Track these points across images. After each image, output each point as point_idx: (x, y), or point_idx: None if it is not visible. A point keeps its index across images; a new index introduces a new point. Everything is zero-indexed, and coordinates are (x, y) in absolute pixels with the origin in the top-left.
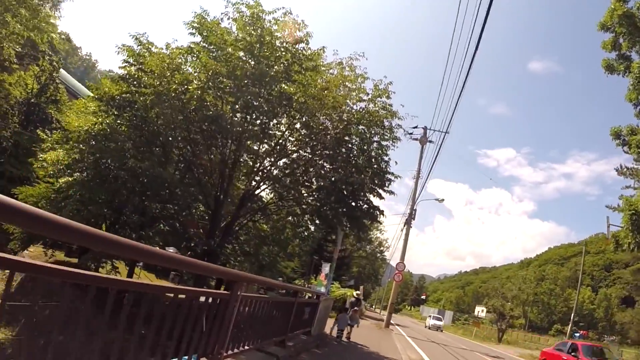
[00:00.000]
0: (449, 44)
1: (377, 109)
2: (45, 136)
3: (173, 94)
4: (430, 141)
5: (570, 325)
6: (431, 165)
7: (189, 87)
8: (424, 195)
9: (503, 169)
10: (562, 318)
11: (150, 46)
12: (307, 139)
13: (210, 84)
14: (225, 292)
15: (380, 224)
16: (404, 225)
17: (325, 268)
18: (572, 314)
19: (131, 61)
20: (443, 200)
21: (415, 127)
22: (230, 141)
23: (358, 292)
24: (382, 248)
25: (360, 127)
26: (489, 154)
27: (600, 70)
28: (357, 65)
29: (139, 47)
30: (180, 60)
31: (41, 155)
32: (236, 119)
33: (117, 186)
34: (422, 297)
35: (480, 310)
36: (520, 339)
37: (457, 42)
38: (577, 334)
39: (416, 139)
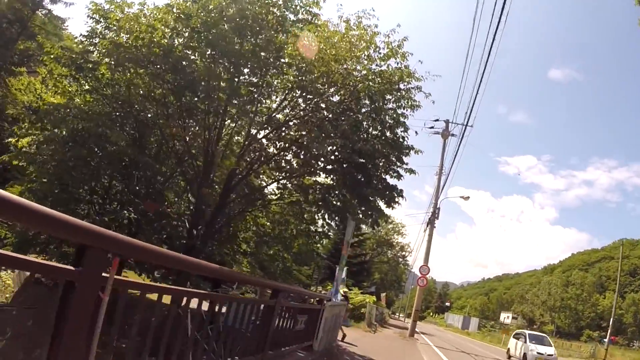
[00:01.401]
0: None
1: (390, 71)
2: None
3: (134, 43)
4: (452, 134)
5: (609, 331)
6: (454, 158)
7: (154, 35)
8: (446, 203)
9: (524, 176)
10: (589, 324)
11: (125, 6)
12: (304, 105)
13: (177, 25)
14: (69, 267)
15: (400, 205)
16: (427, 226)
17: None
18: (611, 318)
19: (97, 17)
20: (468, 197)
21: (437, 120)
22: (203, 96)
23: (346, 289)
24: (404, 252)
25: (372, 85)
26: (509, 162)
27: (620, 77)
28: (367, 24)
29: (111, 7)
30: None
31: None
32: (216, 71)
33: (60, 152)
34: (446, 304)
35: (505, 317)
36: None
37: (477, 29)
38: (605, 340)
39: (438, 133)
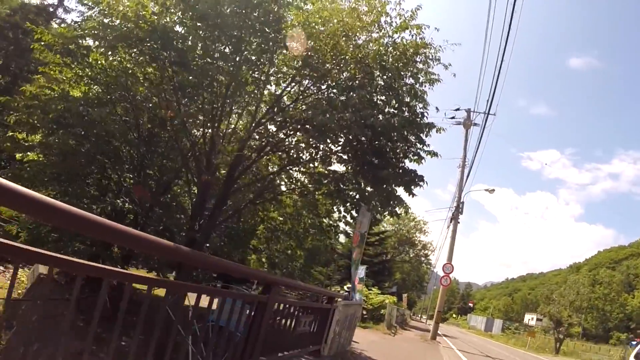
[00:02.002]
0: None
1: (404, 43)
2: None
3: (122, 22)
4: (475, 124)
5: None
6: (476, 148)
7: (141, 11)
8: (468, 202)
9: (547, 171)
10: (617, 325)
11: None
12: (310, 84)
13: (167, 1)
14: None
15: (421, 187)
16: (450, 221)
17: (360, 271)
18: None
19: (89, 4)
20: (493, 190)
21: (458, 109)
22: (197, 73)
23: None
24: (426, 251)
25: (384, 54)
26: (532, 157)
27: None
28: None
29: None
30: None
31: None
32: (212, 47)
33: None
34: (469, 304)
35: (530, 319)
36: (578, 348)
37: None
38: (634, 342)
39: (459, 123)
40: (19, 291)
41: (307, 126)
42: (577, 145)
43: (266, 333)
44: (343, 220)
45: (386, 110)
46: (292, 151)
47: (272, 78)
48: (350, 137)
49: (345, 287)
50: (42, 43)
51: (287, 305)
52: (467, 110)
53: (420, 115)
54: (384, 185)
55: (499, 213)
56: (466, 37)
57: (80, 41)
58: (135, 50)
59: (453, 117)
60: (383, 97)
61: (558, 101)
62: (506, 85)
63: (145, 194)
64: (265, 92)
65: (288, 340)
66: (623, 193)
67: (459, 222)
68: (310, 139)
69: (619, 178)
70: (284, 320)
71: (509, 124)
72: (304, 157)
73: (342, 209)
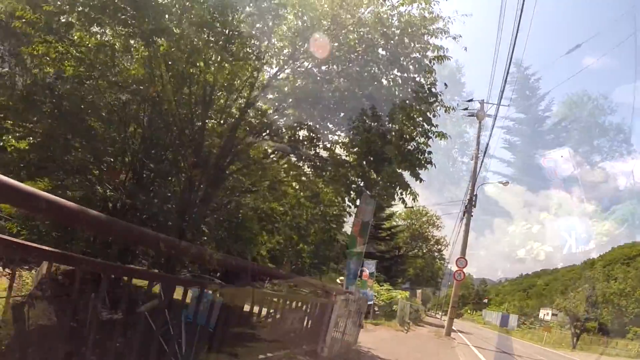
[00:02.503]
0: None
1: (410, 16)
2: None
3: None
4: (488, 115)
5: None
6: (489, 137)
7: None
8: (482, 199)
9: (561, 167)
10: (633, 320)
11: None
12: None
13: None
14: None
15: (427, 169)
16: (464, 215)
17: (369, 266)
18: None
19: None
20: (507, 183)
21: (471, 100)
22: (174, 41)
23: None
24: (439, 246)
25: (386, 21)
26: (546, 154)
27: None
28: None
29: None
30: None
31: None
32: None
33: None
34: (484, 300)
35: (545, 313)
36: (595, 343)
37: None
38: None
39: (472, 115)
40: (22, 293)
41: (303, 105)
42: (590, 144)
43: (238, 332)
44: (347, 210)
45: (390, 85)
46: (288, 132)
47: (266, 53)
48: (351, 113)
49: (337, 280)
50: (24, 20)
51: (267, 298)
52: (480, 101)
53: (427, 91)
54: (384, 160)
55: (513, 209)
56: (479, 28)
57: (61, 17)
58: (119, 27)
59: (466, 109)
60: (386, 72)
61: (572, 99)
62: (520, 83)
63: (118, 176)
64: (265, 75)
65: (272, 340)
66: (636, 191)
67: (472, 216)
68: (304, 115)
69: (631, 175)
70: (264, 317)
71: (523, 122)
72: (302, 140)
73: (346, 198)
